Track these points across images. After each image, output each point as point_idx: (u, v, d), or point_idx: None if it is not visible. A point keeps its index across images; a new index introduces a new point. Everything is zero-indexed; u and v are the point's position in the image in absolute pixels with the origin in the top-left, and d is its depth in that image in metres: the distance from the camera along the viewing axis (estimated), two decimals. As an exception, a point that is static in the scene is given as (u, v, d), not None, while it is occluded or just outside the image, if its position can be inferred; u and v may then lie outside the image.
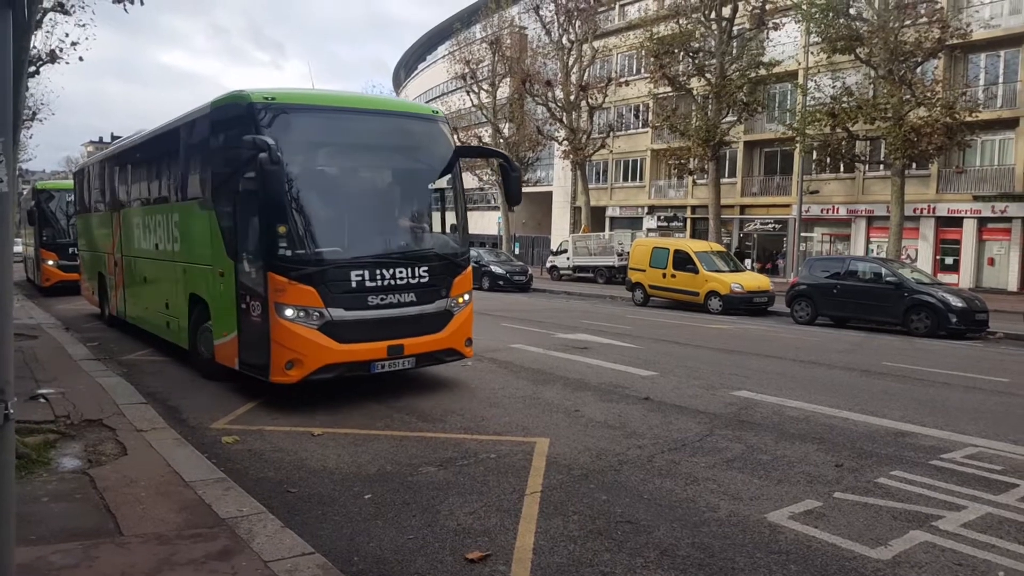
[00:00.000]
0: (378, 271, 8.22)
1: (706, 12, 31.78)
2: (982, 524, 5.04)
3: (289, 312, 7.82)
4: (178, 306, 10.50)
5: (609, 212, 46.24)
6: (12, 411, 2.96)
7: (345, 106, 8.95)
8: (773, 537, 4.79)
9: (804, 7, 26.94)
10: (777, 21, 31.10)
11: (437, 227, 9.38)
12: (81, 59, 28.12)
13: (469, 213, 10.27)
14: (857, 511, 5.25)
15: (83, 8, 18.09)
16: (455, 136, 9.78)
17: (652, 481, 5.86)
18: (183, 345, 10.53)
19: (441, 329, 8.76)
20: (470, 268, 9.41)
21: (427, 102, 42.77)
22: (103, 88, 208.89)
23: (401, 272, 8.39)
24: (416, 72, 71.96)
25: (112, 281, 14.60)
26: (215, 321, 9.12)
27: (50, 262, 22.47)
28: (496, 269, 29.95)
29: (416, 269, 8.51)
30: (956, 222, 31.29)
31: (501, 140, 42.40)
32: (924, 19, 25.53)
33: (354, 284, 8.08)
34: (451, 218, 9.41)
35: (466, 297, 9.13)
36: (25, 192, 26.56)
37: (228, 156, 8.43)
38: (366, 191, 9.13)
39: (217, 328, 9.06)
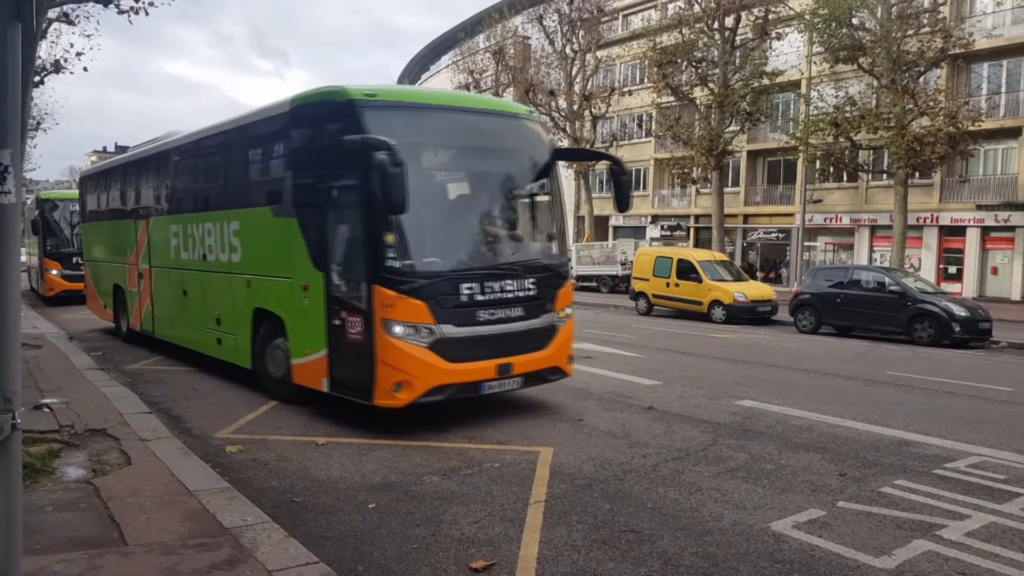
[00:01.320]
0: (488, 283, 7.64)
1: (709, 22, 31.88)
2: (986, 533, 5.03)
3: (398, 329, 7.15)
4: (237, 322, 9.73)
5: (612, 221, 46.26)
6: (19, 421, 2.98)
7: (447, 104, 8.42)
8: (777, 546, 4.78)
9: (807, 17, 27.02)
10: (780, 31, 31.18)
11: (539, 235, 8.81)
12: (86, 69, 28.31)
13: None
14: (861, 520, 5.24)
15: (88, 19, 18.22)
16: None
17: (656, 490, 5.86)
18: (241, 364, 9.74)
19: (546, 345, 8.18)
20: (571, 280, 8.81)
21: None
22: (106, 98, 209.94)
23: (510, 284, 7.82)
24: (420, 82, 72.23)
25: (134, 294, 13.59)
26: (294, 338, 8.43)
27: (54, 272, 22.55)
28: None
29: (524, 281, 7.95)
30: (959, 231, 31.26)
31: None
32: (927, 29, 25.59)
33: (464, 298, 7.46)
34: (550, 225, 8.84)
35: (568, 311, 8.54)
36: (29, 202, 26.66)
37: (320, 158, 7.84)
38: (471, 196, 8.37)
39: (296, 346, 8.39)
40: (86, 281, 16.94)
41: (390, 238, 7.16)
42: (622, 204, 8.59)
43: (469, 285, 7.51)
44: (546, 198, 8.76)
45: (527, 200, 8.75)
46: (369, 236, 7.27)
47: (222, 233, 10.01)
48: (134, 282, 13.53)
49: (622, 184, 8.61)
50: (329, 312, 7.73)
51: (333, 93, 7.73)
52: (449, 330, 7.35)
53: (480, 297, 7.58)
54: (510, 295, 7.82)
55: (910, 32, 25.43)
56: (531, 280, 8.00)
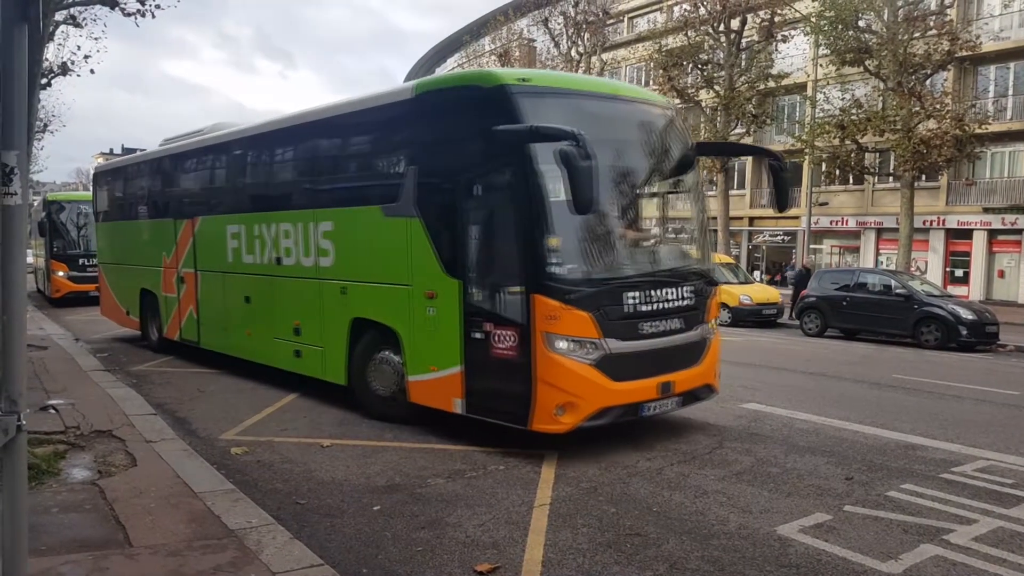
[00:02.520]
0: (649, 292, 6.92)
1: (715, 24, 31.85)
2: (993, 538, 5.00)
3: (562, 344, 6.40)
4: (327, 333, 8.82)
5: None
6: (24, 422, 2.98)
7: (602, 91, 7.64)
8: (783, 551, 4.76)
9: (813, 19, 26.97)
10: (786, 33, 31.12)
11: (691, 237, 8.17)
12: (93, 71, 28.35)
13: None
14: (867, 524, 5.21)
15: (95, 21, 18.30)
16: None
17: (661, 494, 5.84)
18: (330, 379, 8.88)
19: (700, 361, 7.49)
20: (718, 288, 8.10)
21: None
22: (110, 99, 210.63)
23: (670, 293, 7.10)
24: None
25: (171, 300, 12.47)
26: (411, 352, 7.61)
27: (60, 273, 22.62)
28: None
29: (682, 289, 7.23)
30: (966, 234, 31.15)
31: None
32: (933, 31, 25.51)
33: (628, 309, 6.74)
34: (698, 227, 8.17)
35: (714, 322, 7.84)
36: (36, 203, 26.77)
37: (457, 150, 7.09)
38: (627, 194, 7.49)
39: (415, 361, 7.56)
40: (101, 285, 15.78)
41: (554, 241, 6.44)
42: (782, 203, 7.87)
43: (632, 294, 6.79)
44: (694, 197, 8.12)
45: (678, 199, 8.06)
46: (528, 239, 6.47)
47: (306, 235, 9.06)
48: (170, 287, 12.46)
49: (783, 181, 7.85)
50: (467, 324, 6.91)
51: (479, 78, 7.14)
52: (614, 345, 6.61)
53: (643, 307, 6.86)
54: (670, 305, 7.09)
55: (917, 34, 25.36)
56: (688, 288, 7.29)
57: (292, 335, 9.45)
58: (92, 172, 16.49)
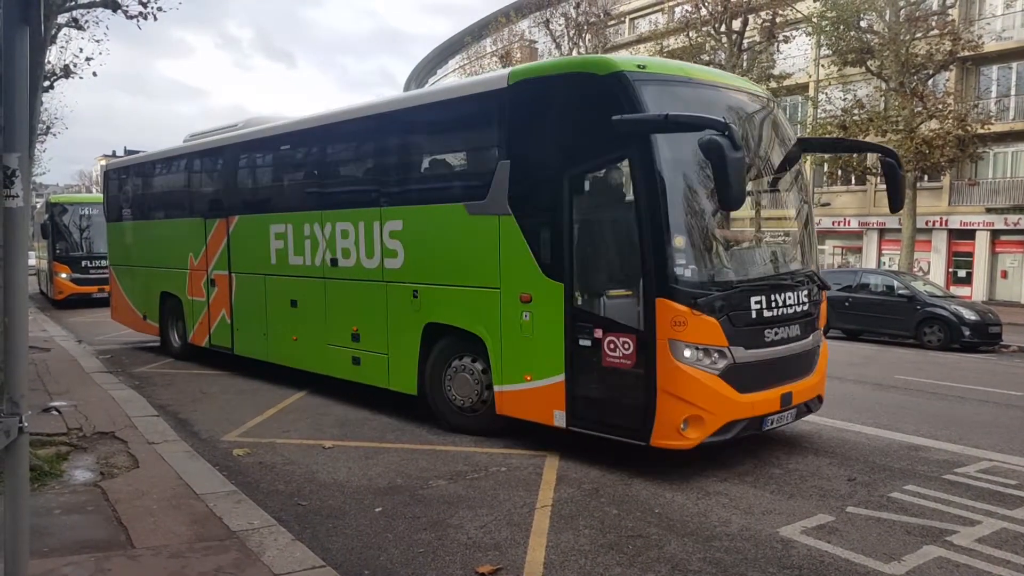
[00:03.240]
0: (773, 296, 6.50)
1: (716, 25, 31.84)
2: (997, 539, 4.99)
3: (688, 353, 5.92)
4: (393, 339, 8.31)
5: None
6: (26, 424, 2.99)
7: (717, 82, 7.12)
8: (786, 552, 4.75)
9: (815, 20, 26.98)
10: (787, 34, 31.10)
11: (802, 238, 7.62)
12: (95, 74, 28.46)
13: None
14: (870, 526, 5.20)
15: (97, 24, 18.32)
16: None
17: (663, 495, 5.83)
18: (397, 389, 8.35)
19: (814, 369, 7.12)
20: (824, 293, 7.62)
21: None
22: (112, 102, 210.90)
23: (791, 297, 6.67)
24: (426, 85, 72.44)
25: (199, 304, 11.84)
26: (501, 360, 7.11)
27: (63, 275, 22.67)
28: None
29: (800, 293, 6.81)
30: (968, 235, 31.10)
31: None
32: (935, 31, 25.51)
33: (754, 314, 6.33)
34: (807, 226, 7.66)
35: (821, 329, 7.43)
36: (38, 206, 26.83)
37: (564, 143, 6.57)
38: (748, 191, 6.73)
39: (506, 369, 7.07)
40: (113, 288, 15.06)
41: (680, 241, 5.99)
42: (897, 202, 7.43)
43: (758, 299, 6.36)
44: (802, 194, 7.68)
45: (789, 196, 7.60)
46: (652, 238, 5.94)
47: (369, 234, 8.48)
48: (198, 290, 11.84)
49: (898, 179, 7.40)
50: (572, 330, 6.46)
51: (591, 64, 6.58)
52: (740, 353, 6.18)
53: (767, 313, 6.43)
54: (791, 310, 6.66)
55: (919, 35, 25.36)
56: (805, 292, 6.87)
57: (349, 341, 8.87)
58: (103, 170, 15.36)
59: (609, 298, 6.44)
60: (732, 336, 6.10)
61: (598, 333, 6.31)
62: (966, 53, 26.22)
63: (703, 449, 6.54)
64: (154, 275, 13.19)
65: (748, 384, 6.23)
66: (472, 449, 7.12)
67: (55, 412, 7.92)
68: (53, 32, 14.55)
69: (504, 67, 40.61)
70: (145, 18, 12.84)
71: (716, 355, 6.05)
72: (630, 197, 6.18)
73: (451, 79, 55.06)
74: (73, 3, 13.77)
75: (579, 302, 6.49)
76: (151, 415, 8.05)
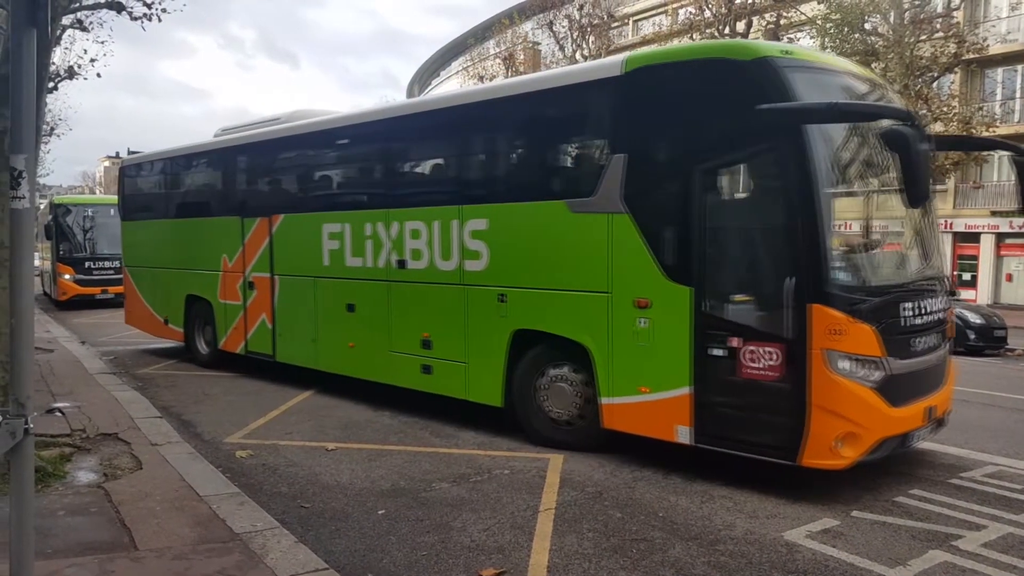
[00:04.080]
0: (920, 302, 6.04)
1: (720, 27, 31.81)
2: (1003, 544, 4.96)
3: (845, 364, 5.47)
4: (476, 346, 7.77)
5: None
6: (31, 425, 2.99)
7: (856, 72, 6.69)
8: (790, 556, 4.73)
9: (819, 22, 26.94)
10: (792, 36, 31.08)
11: (935, 239, 7.10)
12: (99, 75, 28.49)
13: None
14: (875, 530, 5.18)
15: (101, 25, 18.34)
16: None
17: (667, 499, 5.82)
18: (482, 400, 7.82)
19: (946, 380, 6.72)
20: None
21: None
22: (114, 102, 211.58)
23: (933, 304, 6.20)
24: (429, 87, 72.46)
25: (233, 308, 11.22)
26: (610, 370, 6.64)
27: (67, 276, 22.72)
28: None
29: (939, 299, 6.36)
30: (973, 237, 31.04)
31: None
32: (940, 34, 25.47)
33: (904, 322, 5.88)
34: (935, 227, 7.19)
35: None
36: (42, 207, 26.89)
37: (693, 135, 6.11)
38: (880, 189, 6.54)
39: (616, 380, 6.61)
40: (128, 290, 14.31)
41: (837, 242, 5.63)
42: None
43: (907, 305, 5.91)
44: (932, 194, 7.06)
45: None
46: (805, 238, 5.48)
47: (446, 234, 7.96)
48: (232, 293, 11.23)
49: None
50: (703, 338, 5.99)
51: (730, 50, 6.15)
52: (894, 364, 5.72)
53: (916, 320, 5.97)
54: (932, 317, 6.20)
55: (923, 37, 25.31)
56: (942, 298, 6.44)
57: (419, 348, 8.35)
58: (119, 166, 14.65)
59: (748, 304, 5.92)
60: (886, 346, 5.66)
61: (734, 342, 5.82)
62: (971, 56, 26.17)
63: (707, 453, 6.52)
64: (178, 277, 12.49)
65: (898, 397, 5.77)
66: (475, 452, 7.11)
67: (59, 413, 7.92)
68: (58, 34, 14.59)
69: (508, 69, 40.54)
70: (149, 19, 12.86)
71: (871, 366, 5.60)
72: (777, 193, 5.83)
73: (453, 82, 55.16)
74: (78, 4, 13.81)
75: (709, 308, 5.98)
76: (154, 416, 8.06)
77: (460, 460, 6.84)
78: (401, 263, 8.49)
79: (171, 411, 8.76)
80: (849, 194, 5.95)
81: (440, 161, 8.70)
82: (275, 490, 6.01)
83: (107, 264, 22.87)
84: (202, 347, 12.21)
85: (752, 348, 5.74)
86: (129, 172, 14.34)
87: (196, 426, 8.14)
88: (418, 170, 9.13)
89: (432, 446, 7.33)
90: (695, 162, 6.04)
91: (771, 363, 5.65)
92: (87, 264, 22.76)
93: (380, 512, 5.49)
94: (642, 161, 6.39)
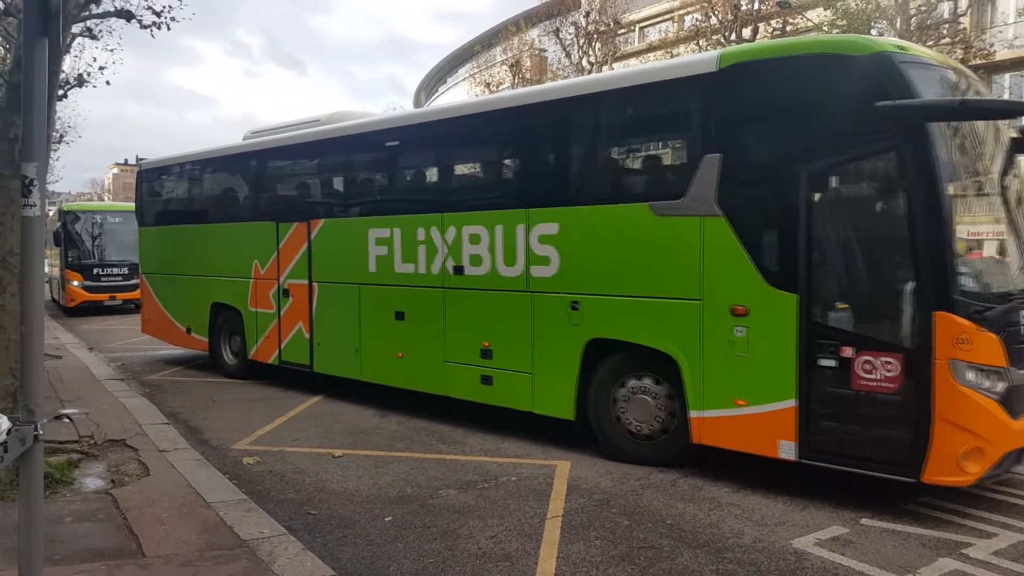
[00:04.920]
0: None
1: (726, 34, 31.84)
2: (1014, 552, 4.93)
3: (971, 375, 5.21)
4: (545, 356, 7.43)
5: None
6: (41, 432, 3.00)
7: (962, 70, 6.51)
8: (799, 564, 4.71)
9: (825, 28, 26.95)
10: (797, 43, 31.11)
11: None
12: (108, 83, 28.47)
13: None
14: (885, 538, 5.15)
15: (111, 33, 18.41)
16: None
17: (675, 506, 5.80)
18: (551, 412, 7.43)
19: None
20: None
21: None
22: (121, 109, 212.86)
23: None
24: (436, 94, 72.66)
25: (265, 317, 10.78)
26: (702, 382, 6.32)
27: (75, 283, 22.80)
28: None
29: None
30: (979, 244, 30.91)
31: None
32: (947, 40, 25.45)
33: (1022, 328, 5.60)
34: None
35: None
36: (51, 214, 27.02)
37: (811, 134, 5.77)
38: (1007, 189, 6.31)
39: (708, 392, 6.29)
40: (146, 298, 13.74)
41: (963, 246, 5.42)
42: None
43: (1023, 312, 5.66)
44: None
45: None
46: (929, 243, 5.25)
47: (510, 239, 7.62)
48: (265, 301, 10.80)
49: None
50: (809, 348, 5.68)
51: (844, 45, 5.86)
52: (1015, 375, 5.42)
53: None
54: None
55: (930, 43, 25.28)
56: None
57: (477, 358, 8.00)
58: (138, 170, 14.05)
59: (862, 311, 5.65)
60: (1009, 355, 5.39)
61: (846, 352, 5.53)
62: (978, 61, 26.10)
63: (712, 459, 6.51)
64: (204, 284, 11.96)
65: (1018, 409, 5.49)
66: (482, 459, 7.10)
67: (67, 419, 7.96)
68: (68, 42, 14.67)
69: (514, 76, 40.52)
70: (159, 27, 12.93)
71: (996, 377, 5.32)
72: (897, 195, 5.56)
73: (460, 90, 55.30)
74: (87, 13, 13.90)
75: (817, 316, 5.69)
76: (162, 423, 8.08)
77: (467, 467, 6.84)
78: (458, 269, 8.14)
79: (178, 417, 8.78)
80: (973, 195, 5.76)
81: (505, 163, 8.40)
82: (282, 497, 6.01)
83: (115, 271, 22.96)
84: (228, 357, 11.75)
85: (867, 358, 5.46)
86: (148, 176, 13.82)
87: (203, 432, 8.16)
88: (479, 173, 8.84)
89: (439, 452, 7.33)
90: (802, 162, 5.76)
91: (889, 374, 5.38)
92: (95, 271, 22.83)
93: (387, 519, 5.49)
94: (740, 161, 6.10)
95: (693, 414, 6.40)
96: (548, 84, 8.23)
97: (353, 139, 9.68)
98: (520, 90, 8.43)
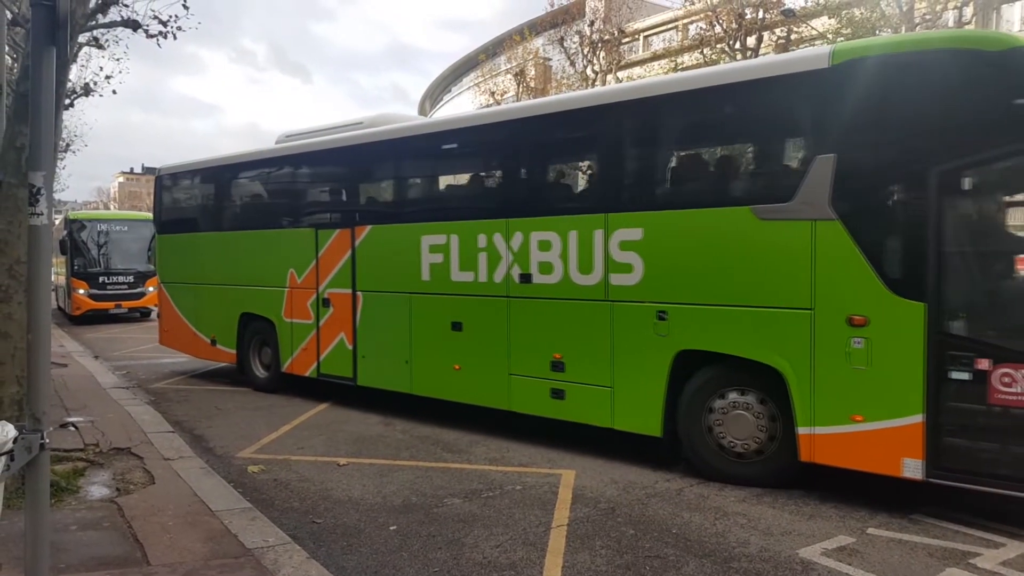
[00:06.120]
0: None
1: (731, 42, 31.90)
2: (1022, 562, 4.89)
3: None
4: (626, 369, 7.03)
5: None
6: (47, 440, 3.00)
7: None
8: (806, 573, 4.68)
9: (829, 36, 26.99)
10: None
11: None
12: (115, 92, 28.60)
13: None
14: (892, 548, 5.12)
15: (117, 43, 18.51)
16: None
17: (681, 515, 5.77)
18: (633, 429, 7.08)
19: None
20: None
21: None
22: (127, 118, 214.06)
23: None
24: (441, 103, 72.93)
25: (301, 328, 10.33)
26: (812, 396, 5.95)
27: (81, 291, 22.89)
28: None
29: None
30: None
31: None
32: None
33: None
34: None
35: None
36: (57, 222, 27.14)
37: (938, 134, 5.46)
38: None
39: (820, 408, 5.92)
40: (164, 308, 13.10)
41: None
42: None
43: None
44: None
45: None
46: None
47: (586, 245, 7.24)
48: (302, 311, 10.32)
49: None
50: (938, 360, 5.40)
51: (974, 40, 5.67)
52: None
53: None
54: None
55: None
56: None
57: (547, 371, 7.63)
58: (156, 175, 13.72)
59: (1000, 322, 5.41)
60: None
61: (983, 364, 5.23)
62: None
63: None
64: (231, 294, 11.44)
65: None
66: (487, 467, 7.09)
67: (72, 428, 7.97)
68: (75, 51, 14.76)
69: (519, 85, 40.57)
70: (165, 37, 13.00)
71: None
72: None
73: (465, 98, 55.44)
74: (94, 23, 13.98)
75: (947, 326, 5.39)
76: (167, 431, 8.09)
77: (472, 475, 6.82)
78: (525, 277, 7.74)
79: (184, 426, 8.79)
80: None
81: (580, 167, 8.06)
82: (287, 505, 6.01)
83: (121, 279, 23.06)
84: (259, 370, 11.24)
85: (1007, 371, 5.17)
86: (167, 181, 13.16)
87: (208, 441, 8.16)
88: (550, 177, 8.41)
89: (444, 461, 7.32)
90: (931, 163, 5.43)
91: None
92: (101, 279, 22.93)
93: (392, 528, 5.48)
94: (857, 162, 5.74)
95: (802, 431, 6.03)
96: (635, 82, 7.91)
97: (405, 142, 9.21)
98: (599, 89, 8.07)
